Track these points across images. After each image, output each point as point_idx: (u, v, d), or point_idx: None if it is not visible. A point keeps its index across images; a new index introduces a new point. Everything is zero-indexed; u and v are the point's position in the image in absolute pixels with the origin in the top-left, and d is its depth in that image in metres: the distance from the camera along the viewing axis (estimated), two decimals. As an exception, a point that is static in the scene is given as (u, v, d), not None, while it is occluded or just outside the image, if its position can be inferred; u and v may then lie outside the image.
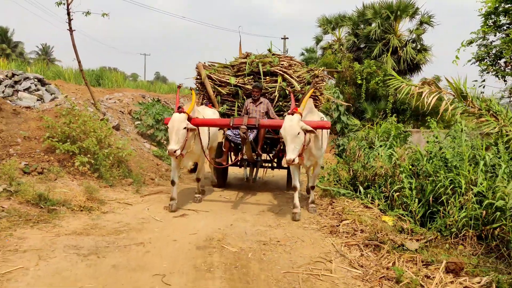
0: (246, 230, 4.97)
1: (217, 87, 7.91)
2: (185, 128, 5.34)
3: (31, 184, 5.77)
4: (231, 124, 6.04)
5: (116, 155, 7.59)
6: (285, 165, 7.59)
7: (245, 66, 7.89)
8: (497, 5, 7.66)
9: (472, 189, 4.93)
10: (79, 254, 3.92)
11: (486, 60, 7.99)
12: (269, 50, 8.54)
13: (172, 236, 4.60)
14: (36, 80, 10.04)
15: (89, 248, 4.08)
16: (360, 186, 6.59)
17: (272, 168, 8.22)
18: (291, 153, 5.03)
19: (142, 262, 3.80)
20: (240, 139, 6.24)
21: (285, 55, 8.53)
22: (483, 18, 7.97)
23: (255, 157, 7.11)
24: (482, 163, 5.09)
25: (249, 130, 6.23)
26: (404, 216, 5.52)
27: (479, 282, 3.39)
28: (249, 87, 7.62)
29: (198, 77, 8.14)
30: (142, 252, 4.06)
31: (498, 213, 4.64)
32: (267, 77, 7.81)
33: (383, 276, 3.61)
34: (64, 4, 8.92)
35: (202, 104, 7.86)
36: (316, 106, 7.61)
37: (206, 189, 7.59)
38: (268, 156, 8.39)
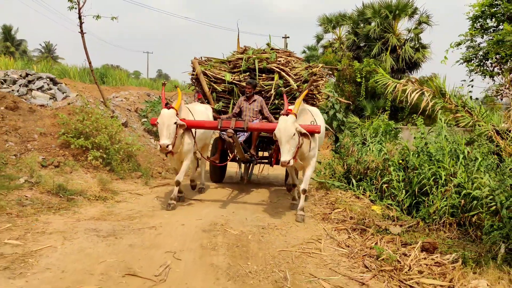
0: (247, 216, 5.49)
1: (212, 84, 7.68)
2: (175, 123, 5.32)
3: (50, 176, 6.31)
4: (218, 127, 5.93)
5: (126, 150, 8.14)
6: None
7: (242, 62, 7.70)
8: (484, 9, 8.16)
9: (452, 181, 5.43)
10: (99, 236, 4.45)
11: (473, 61, 8.49)
12: (268, 45, 8.33)
13: (180, 221, 5.12)
14: (48, 79, 10.58)
15: (107, 231, 4.61)
16: (353, 179, 7.10)
17: (271, 164, 7.85)
18: (286, 155, 4.90)
19: (155, 242, 4.33)
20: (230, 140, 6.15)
21: (283, 50, 8.32)
22: (471, 21, 8.48)
23: (249, 157, 7.00)
24: (462, 156, 5.59)
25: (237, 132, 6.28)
26: (392, 206, 6.03)
27: (448, 259, 3.89)
28: (245, 84, 7.39)
29: (193, 73, 7.93)
30: (154, 234, 4.59)
31: (475, 202, 5.14)
32: (264, 74, 7.63)
33: (366, 254, 4.12)
34: (75, 8, 9.46)
35: (198, 100, 7.80)
36: (314, 104, 7.71)
37: (205, 185, 7.87)
38: (265, 153, 8.32)
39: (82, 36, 9.70)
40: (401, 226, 5.03)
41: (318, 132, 5.58)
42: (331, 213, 5.70)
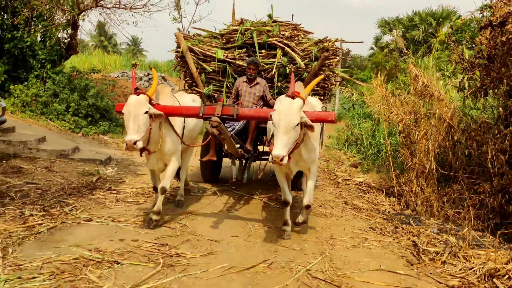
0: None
1: (201, 62, 6.37)
2: (146, 112, 4.02)
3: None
4: (200, 114, 4.36)
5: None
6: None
7: (237, 36, 6.49)
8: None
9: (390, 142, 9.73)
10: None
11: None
12: (270, 16, 7.11)
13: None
14: (161, 77, 16.10)
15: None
16: (346, 144, 11.56)
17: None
18: (281, 148, 3.59)
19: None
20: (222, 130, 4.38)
21: (288, 23, 6.97)
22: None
23: (243, 153, 5.69)
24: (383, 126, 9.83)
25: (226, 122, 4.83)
26: (362, 158, 10.40)
27: (361, 169, 8.35)
28: (240, 63, 6.29)
29: (178, 49, 6.56)
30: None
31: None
32: (263, 51, 6.42)
33: (324, 170, 8.69)
34: (178, 22, 14.56)
35: (185, 85, 6.81)
36: (326, 88, 6.66)
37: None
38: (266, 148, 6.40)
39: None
40: (354, 162, 9.49)
41: (331, 121, 4.24)
42: (321, 157, 10.25)
